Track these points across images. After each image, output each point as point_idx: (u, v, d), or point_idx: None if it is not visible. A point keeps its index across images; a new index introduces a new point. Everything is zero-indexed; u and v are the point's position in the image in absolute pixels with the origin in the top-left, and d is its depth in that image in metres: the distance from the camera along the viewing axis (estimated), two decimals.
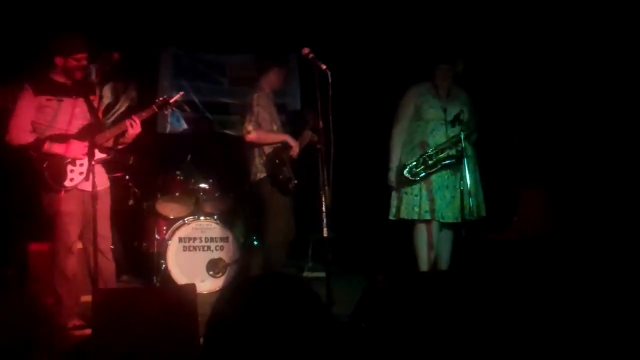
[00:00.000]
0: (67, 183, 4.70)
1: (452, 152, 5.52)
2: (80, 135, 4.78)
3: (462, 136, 5.28)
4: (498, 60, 6.07)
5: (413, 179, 5.57)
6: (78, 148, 4.73)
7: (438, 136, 5.61)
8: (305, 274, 7.21)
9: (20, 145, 4.66)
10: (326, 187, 4.78)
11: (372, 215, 5.96)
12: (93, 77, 7.09)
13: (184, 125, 8.15)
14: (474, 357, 3.27)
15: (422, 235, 5.69)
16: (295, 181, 5.37)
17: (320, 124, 4.89)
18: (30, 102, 4.66)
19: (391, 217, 5.84)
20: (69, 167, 4.72)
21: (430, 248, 5.68)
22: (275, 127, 5.64)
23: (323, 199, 4.77)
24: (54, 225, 4.71)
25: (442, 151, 5.55)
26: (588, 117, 5.60)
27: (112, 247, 6.55)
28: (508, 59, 6.02)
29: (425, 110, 5.69)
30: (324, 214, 4.76)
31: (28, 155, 4.67)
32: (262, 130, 5.52)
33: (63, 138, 4.73)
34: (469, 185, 5.24)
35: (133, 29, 7.25)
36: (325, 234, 4.76)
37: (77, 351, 3.82)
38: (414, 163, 5.56)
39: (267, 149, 5.59)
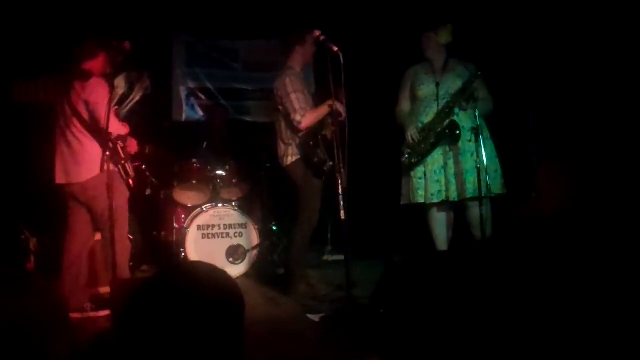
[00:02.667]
0: (132, 174, 5.03)
1: (439, 128, 5.41)
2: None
3: (477, 113, 5.21)
4: (513, 30, 5.97)
5: (410, 164, 5.53)
6: (133, 144, 5.13)
7: (430, 114, 5.51)
8: (325, 257, 7.22)
9: (119, 136, 4.86)
10: (342, 170, 4.76)
11: (390, 197, 5.91)
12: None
13: (200, 113, 8.15)
14: (491, 335, 3.25)
15: (435, 215, 5.64)
16: (331, 163, 5.27)
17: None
18: (109, 94, 4.78)
19: (402, 203, 5.75)
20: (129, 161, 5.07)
21: (445, 227, 5.64)
22: (308, 108, 5.50)
23: (339, 182, 4.76)
24: (118, 214, 4.80)
25: (429, 130, 5.45)
26: (607, 90, 5.50)
27: (131, 237, 6.64)
28: (524, 29, 5.92)
29: (418, 89, 5.61)
30: (340, 197, 4.75)
31: (114, 147, 4.83)
32: (309, 113, 5.36)
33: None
34: (485, 162, 5.18)
35: (145, 17, 7.25)
36: (342, 216, 4.75)
37: (97, 341, 3.84)
38: (408, 152, 5.53)
39: (299, 134, 5.45)
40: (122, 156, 4.91)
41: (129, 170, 4.99)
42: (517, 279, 3.69)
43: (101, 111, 4.73)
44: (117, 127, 4.83)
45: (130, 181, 5.04)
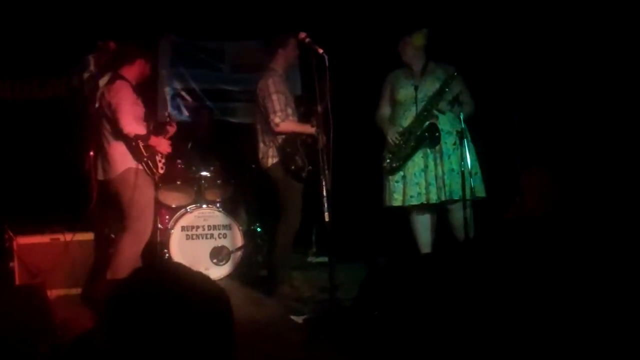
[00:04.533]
0: (160, 171, 5.29)
1: (418, 131, 5.44)
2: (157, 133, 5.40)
3: (461, 117, 5.22)
4: (496, 40, 6.00)
5: (392, 169, 5.57)
6: (166, 144, 5.33)
7: (410, 118, 5.53)
8: (310, 259, 7.21)
9: (136, 136, 5.03)
10: (326, 172, 4.76)
11: (374, 200, 5.92)
12: (91, 67, 7.10)
13: (185, 114, 8.11)
14: (475, 337, 3.26)
15: (418, 218, 5.66)
16: (310, 167, 5.28)
17: (319, 108, 4.87)
18: (132, 96, 5.07)
19: (383, 206, 5.77)
20: (158, 157, 5.26)
21: (428, 230, 5.65)
22: (290, 110, 5.51)
23: (323, 184, 4.76)
24: (146, 212, 5.15)
25: (409, 133, 5.47)
26: (590, 94, 5.54)
27: (113, 236, 6.61)
28: (505, 37, 5.95)
29: (396, 92, 5.63)
30: (324, 199, 4.75)
31: (135, 145, 5.03)
32: (290, 121, 5.39)
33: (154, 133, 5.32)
34: (469, 165, 5.20)
35: (130, 17, 7.21)
36: (326, 218, 4.75)
37: (81, 342, 3.82)
38: (389, 156, 5.55)
39: (279, 137, 5.45)
40: (145, 154, 5.08)
41: (153, 167, 5.16)
42: (501, 281, 3.71)
43: (121, 112, 4.95)
44: (133, 128, 5.00)
45: (156, 177, 5.27)
